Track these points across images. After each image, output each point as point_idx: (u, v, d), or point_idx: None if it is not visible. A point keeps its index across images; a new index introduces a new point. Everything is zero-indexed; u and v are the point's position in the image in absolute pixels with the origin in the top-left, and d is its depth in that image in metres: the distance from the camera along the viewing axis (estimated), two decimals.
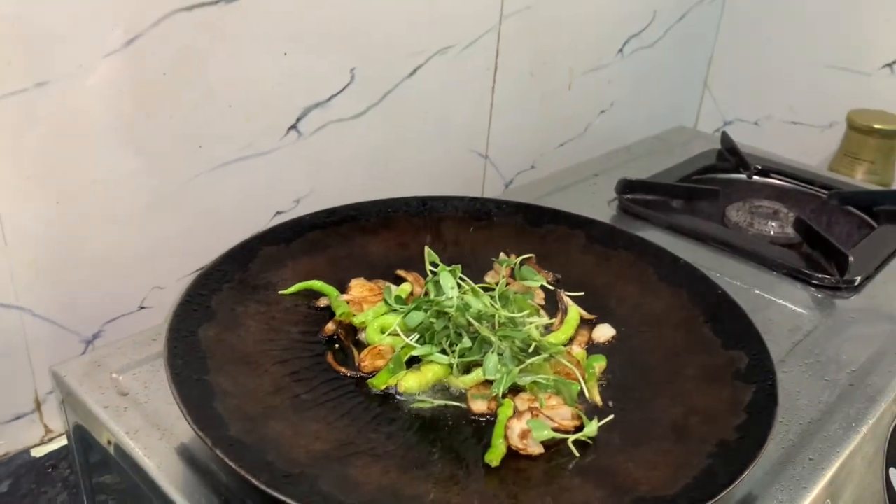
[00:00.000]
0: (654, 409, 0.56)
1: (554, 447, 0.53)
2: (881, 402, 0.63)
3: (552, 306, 0.68)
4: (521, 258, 0.70)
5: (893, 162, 1.17)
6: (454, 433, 0.54)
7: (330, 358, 0.59)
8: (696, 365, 0.60)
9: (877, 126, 1.14)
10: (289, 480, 0.45)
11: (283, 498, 0.42)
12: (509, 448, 0.52)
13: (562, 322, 0.65)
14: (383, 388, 0.56)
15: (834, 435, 0.59)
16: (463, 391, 0.57)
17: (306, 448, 0.49)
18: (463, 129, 0.97)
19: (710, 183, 1.02)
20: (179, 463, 0.52)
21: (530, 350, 0.57)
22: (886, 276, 0.82)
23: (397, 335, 0.60)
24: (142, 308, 0.73)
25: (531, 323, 0.60)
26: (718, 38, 1.37)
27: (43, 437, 0.70)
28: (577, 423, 0.54)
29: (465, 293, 0.61)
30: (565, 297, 0.68)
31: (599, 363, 0.60)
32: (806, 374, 0.66)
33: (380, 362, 0.58)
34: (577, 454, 0.52)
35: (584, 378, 0.58)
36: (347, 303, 0.63)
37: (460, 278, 0.63)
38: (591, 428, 0.53)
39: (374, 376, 0.57)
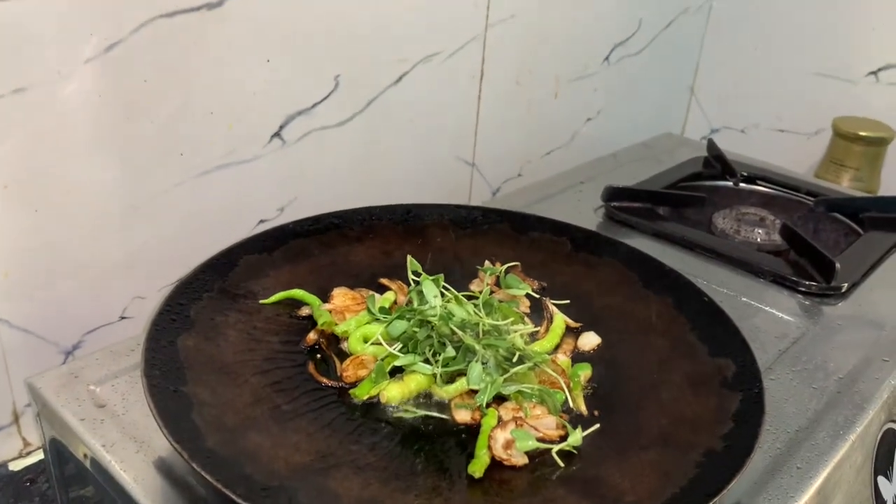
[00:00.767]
0: (641, 418, 0.55)
1: (538, 457, 0.52)
2: (869, 409, 0.62)
3: (538, 314, 0.67)
4: (506, 266, 0.70)
5: (879, 169, 1.18)
6: (437, 444, 0.53)
7: (311, 368, 0.58)
8: (682, 373, 0.59)
9: (862, 133, 1.14)
10: (267, 493, 0.44)
11: None
12: (493, 458, 0.51)
13: (547, 330, 0.64)
14: (365, 398, 0.55)
15: (822, 443, 0.58)
16: (446, 401, 0.56)
17: (286, 460, 0.48)
18: (449, 136, 0.97)
19: (697, 190, 1.02)
20: (157, 476, 0.51)
21: (515, 359, 0.57)
22: (873, 283, 0.82)
23: (380, 345, 0.59)
24: (123, 318, 0.72)
25: (516, 331, 0.60)
26: (704, 46, 1.38)
27: (21, 451, 0.69)
28: (561, 432, 0.53)
29: (448, 302, 0.60)
30: (551, 305, 0.67)
31: (585, 371, 0.60)
32: (793, 382, 0.65)
33: (362, 372, 0.57)
34: (561, 464, 0.51)
35: (569, 387, 0.57)
36: (330, 312, 0.62)
37: (444, 287, 0.63)
38: (576, 437, 0.52)
39: (356, 386, 0.56)
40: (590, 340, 0.64)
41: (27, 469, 0.68)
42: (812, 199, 1.01)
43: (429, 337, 0.57)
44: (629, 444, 0.53)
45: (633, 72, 1.22)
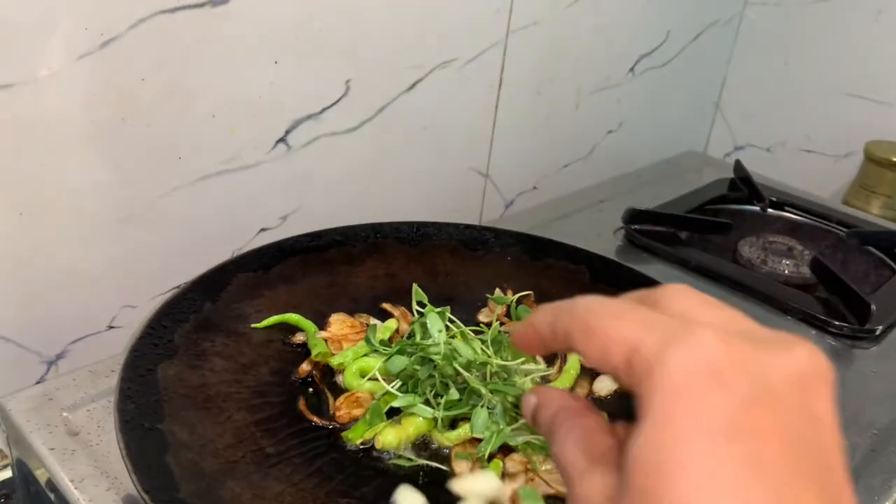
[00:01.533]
0: None
1: None
2: None
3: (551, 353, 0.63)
4: (517, 295, 0.65)
5: None
6: (436, 496, 0.48)
7: (302, 405, 0.53)
8: None
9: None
10: None
11: None
12: None
13: (560, 371, 0.59)
14: (359, 442, 0.51)
15: None
16: (446, 449, 0.51)
17: None
18: (463, 146, 0.92)
19: (722, 214, 0.97)
20: None
21: None
22: None
23: (377, 380, 0.54)
24: (111, 328, 0.68)
25: (526, 373, 0.55)
26: (732, 59, 1.32)
27: None
28: None
29: (453, 337, 0.55)
30: None
31: None
32: None
33: (357, 411, 0.52)
34: None
35: None
36: (326, 340, 0.58)
37: (449, 320, 0.58)
38: None
39: (349, 427, 0.52)
40: (607, 385, 0.59)
41: (3, 484, 0.65)
42: (843, 229, 0.96)
43: (431, 376, 0.52)
44: None
45: (657, 84, 1.17)
